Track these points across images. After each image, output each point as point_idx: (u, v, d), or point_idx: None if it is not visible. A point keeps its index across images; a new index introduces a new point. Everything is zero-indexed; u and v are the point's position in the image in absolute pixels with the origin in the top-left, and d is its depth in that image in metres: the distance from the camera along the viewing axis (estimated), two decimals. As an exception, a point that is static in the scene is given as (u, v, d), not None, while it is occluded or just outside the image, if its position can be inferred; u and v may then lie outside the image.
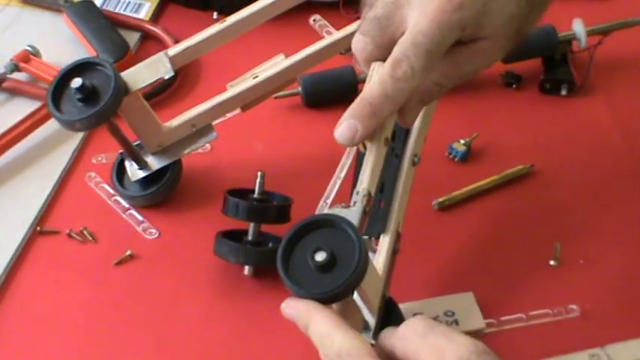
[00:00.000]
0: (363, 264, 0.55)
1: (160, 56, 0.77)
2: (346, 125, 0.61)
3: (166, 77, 0.77)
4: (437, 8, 0.60)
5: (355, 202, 0.60)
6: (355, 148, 0.64)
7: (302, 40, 0.81)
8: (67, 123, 0.74)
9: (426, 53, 0.60)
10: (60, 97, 0.75)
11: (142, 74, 0.77)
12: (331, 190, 0.82)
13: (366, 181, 0.61)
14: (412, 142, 0.71)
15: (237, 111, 0.82)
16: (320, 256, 0.55)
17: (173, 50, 0.78)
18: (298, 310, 0.56)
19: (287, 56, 0.80)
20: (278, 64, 0.79)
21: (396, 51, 0.61)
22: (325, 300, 0.55)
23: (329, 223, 0.57)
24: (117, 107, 0.75)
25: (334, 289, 0.55)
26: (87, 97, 0.74)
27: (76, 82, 0.73)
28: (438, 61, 0.62)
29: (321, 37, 0.85)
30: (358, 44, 0.63)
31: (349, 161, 0.82)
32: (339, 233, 0.56)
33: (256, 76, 0.79)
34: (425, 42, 0.60)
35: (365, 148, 0.63)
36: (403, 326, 0.55)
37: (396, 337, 0.54)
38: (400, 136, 0.71)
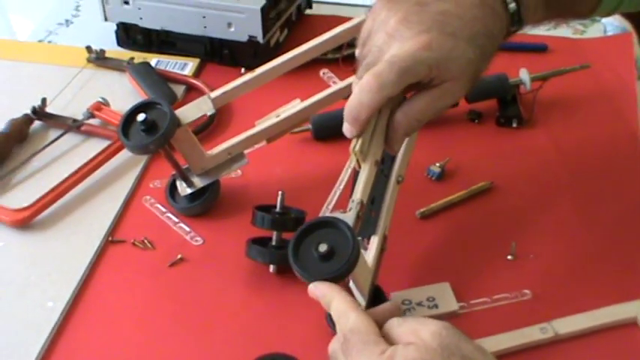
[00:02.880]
0: (356, 255, 0.56)
1: (204, 98, 0.78)
2: (344, 126, 0.63)
3: (209, 114, 0.78)
4: (412, 46, 0.61)
5: (351, 209, 0.60)
6: (352, 166, 0.64)
7: (314, 89, 0.81)
8: (139, 147, 0.76)
9: (398, 71, 0.60)
10: (127, 130, 0.76)
11: (190, 111, 0.78)
12: (332, 199, 0.82)
13: (359, 192, 0.61)
14: (397, 165, 0.72)
15: (264, 143, 0.82)
16: (322, 248, 0.56)
17: (214, 94, 0.79)
18: (323, 291, 0.56)
19: (302, 100, 0.80)
20: (295, 106, 0.80)
21: (374, 69, 0.61)
22: (325, 282, 0.56)
23: (330, 223, 0.57)
24: (173, 133, 0.75)
25: (332, 274, 0.56)
26: (148, 128, 0.75)
27: (141, 116, 0.74)
28: (404, 84, 0.61)
29: (329, 86, 0.85)
30: (355, 85, 0.64)
31: (347, 176, 0.81)
32: (338, 231, 0.57)
33: (278, 116, 0.80)
34: (399, 63, 0.60)
35: (359, 167, 0.63)
36: (385, 326, 0.54)
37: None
38: (388, 160, 0.71)
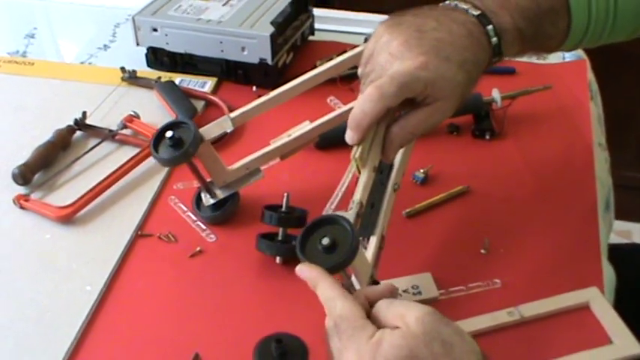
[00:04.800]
0: (355, 246, 0.55)
1: (225, 118, 0.77)
2: (347, 133, 0.62)
3: (228, 131, 0.77)
4: (411, 65, 0.61)
5: (351, 208, 0.60)
6: (353, 171, 0.63)
7: (321, 112, 0.79)
8: (166, 160, 0.74)
9: (397, 84, 0.60)
10: (158, 145, 0.74)
11: (212, 129, 0.76)
12: (334, 200, 0.81)
13: (359, 193, 0.61)
14: (394, 174, 0.71)
15: (277, 159, 0.80)
16: (325, 241, 0.55)
17: (233, 114, 0.77)
18: (309, 274, 0.55)
19: (311, 122, 0.78)
20: (305, 126, 0.78)
21: (377, 82, 0.61)
22: (329, 271, 0.55)
23: (332, 220, 0.57)
24: (196, 149, 0.74)
25: (334, 263, 0.55)
26: (175, 144, 0.73)
27: (169, 133, 0.73)
28: (402, 97, 0.61)
29: (334, 110, 0.83)
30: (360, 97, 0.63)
31: (347, 180, 0.80)
32: (339, 227, 0.56)
33: (290, 135, 0.78)
34: (399, 78, 0.60)
35: (359, 173, 0.62)
36: (375, 305, 0.53)
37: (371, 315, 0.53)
38: (385, 171, 0.70)
